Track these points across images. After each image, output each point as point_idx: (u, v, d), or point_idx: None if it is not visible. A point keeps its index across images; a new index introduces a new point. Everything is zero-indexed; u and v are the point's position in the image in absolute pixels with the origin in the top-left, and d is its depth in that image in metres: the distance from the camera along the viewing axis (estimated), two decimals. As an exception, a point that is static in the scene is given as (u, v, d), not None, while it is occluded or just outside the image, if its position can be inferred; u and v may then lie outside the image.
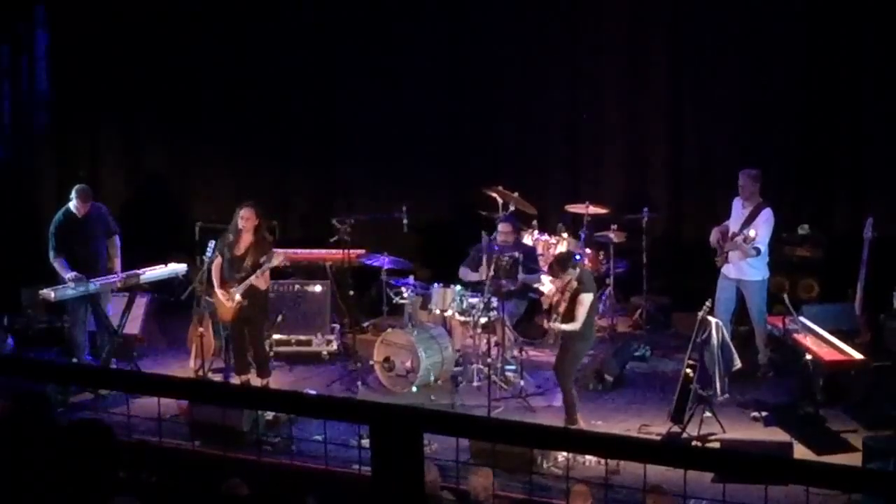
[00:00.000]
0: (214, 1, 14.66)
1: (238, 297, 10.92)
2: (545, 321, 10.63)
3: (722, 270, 11.34)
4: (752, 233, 10.95)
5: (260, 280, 10.96)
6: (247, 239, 11.01)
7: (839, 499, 7.65)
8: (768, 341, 11.34)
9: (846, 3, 12.85)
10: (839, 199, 13.32)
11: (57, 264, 11.26)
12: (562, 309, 9.95)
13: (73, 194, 11.43)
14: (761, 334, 11.36)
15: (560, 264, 10.10)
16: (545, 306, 10.47)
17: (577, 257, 10.51)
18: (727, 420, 10.09)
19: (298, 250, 12.91)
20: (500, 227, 11.98)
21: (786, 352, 10.99)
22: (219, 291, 11.02)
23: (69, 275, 11.14)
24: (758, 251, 11.00)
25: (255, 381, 11.17)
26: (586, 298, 9.86)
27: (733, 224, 11.30)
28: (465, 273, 11.98)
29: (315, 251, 12.85)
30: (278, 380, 11.55)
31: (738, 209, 11.34)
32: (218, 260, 11.06)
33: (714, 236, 11.38)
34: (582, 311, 9.84)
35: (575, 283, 9.90)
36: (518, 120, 14.37)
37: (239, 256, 11.00)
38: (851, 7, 12.82)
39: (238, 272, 10.96)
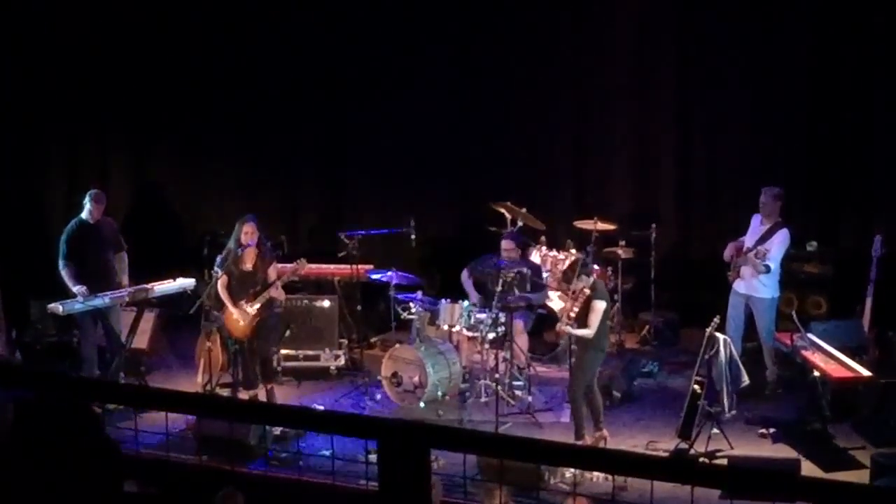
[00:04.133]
0: (224, 13, 14.69)
1: (254, 311, 10.96)
2: (557, 325, 10.51)
3: (733, 286, 11.34)
4: (764, 248, 10.95)
5: (280, 292, 11.06)
6: (252, 253, 11.04)
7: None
8: (776, 358, 11.32)
9: (854, 21, 12.87)
10: (847, 215, 13.32)
11: (65, 273, 11.23)
12: (573, 314, 9.91)
13: (86, 199, 11.42)
14: (769, 351, 11.35)
15: (572, 270, 10.07)
16: (559, 316, 10.39)
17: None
18: (735, 436, 10.07)
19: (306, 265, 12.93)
20: (503, 244, 11.96)
21: (793, 368, 10.97)
22: (233, 310, 11.04)
23: (77, 287, 11.12)
24: (768, 268, 10.98)
25: (262, 389, 11.18)
26: (599, 305, 9.81)
27: (749, 240, 11.29)
28: (465, 279, 11.97)
29: (323, 266, 12.85)
30: (286, 395, 11.56)
31: (756, 225, 11.33)
32: (224, 279, 11.06)
33: (729, 251, 11.37)
34: (595, 319, 9.78)
35: (588, 291, 9.86)
36: (526, 135, 14.39)
37: (249, 271, 11.03)
38: (859, 24, 12.84)
39: (251, 287, 11.00)
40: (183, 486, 7.67)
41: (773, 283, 11.23)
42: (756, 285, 11.19)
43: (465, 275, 12.08)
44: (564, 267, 10.70)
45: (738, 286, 11.32)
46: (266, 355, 11.29)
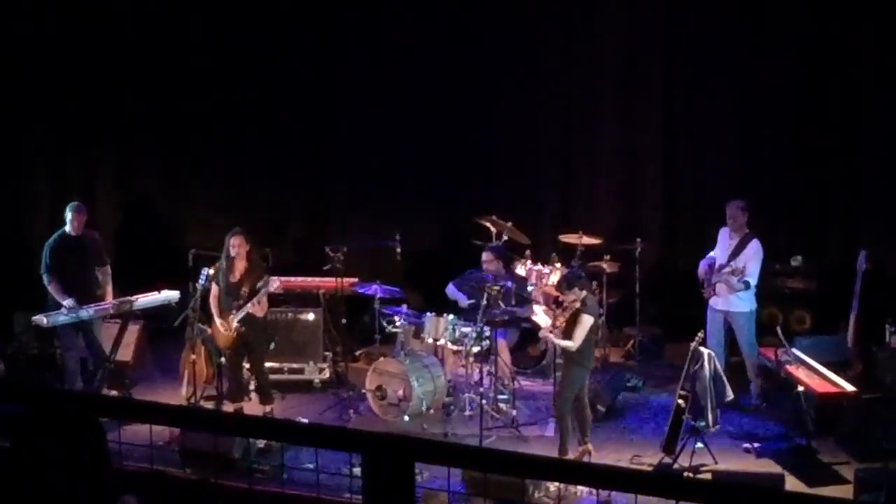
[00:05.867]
0: (210, 26, 14.70)
1: (236, 324, 10.93)
2: (541, 330, 10.50)
3: (709, 303, 11.35)
4: (739, 265, 10.96)
5: (257, 308, 10.96)
6: (241, 266, 11.03)
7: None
8: (760, 372, 11.34)
9: (842, 35, 12.92)
10: (832, 231, 13.37)
11: (52, 287, 11.19)
12: (559, 323, 9.89)
13: (67, 211, 11.38)
14: (752, 365, 11.37)
15: (567, 281, 10.03)
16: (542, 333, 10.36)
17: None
18: (719, 451, 10.07)
19: (291, 278, 12.90)
20: (483, 256, 11.97)
21: (778, 383, 10.99)
22: (218, 321, 11.03)
23: (66, 301, 11.09)
24: (747, 285, 11.01)
25: (258, 408, 11.15)
26: (586, 320, 9.77)
27: (720, 255, 11.31)
28: (453, 291, 12.00)
29: (308, 279, 12.84)
30: (270, 407, 11.53)
31: (725, 239, 11.35)
32: (214, 289, 11.08)
33: (702, 269, 11.38)
34: (580, 332, 9.74)
35: (577, 304, 9.85)
36: (512, 149, 14.41)
37: (235, 284, 11.01)
38: (847, 38, 12.90)
39: (236, 299, 10.97)
40: (167, 499, 7.64)
41: (750, 296, 11.25)
42: (733, 300, 11.21)
43: (451, 288, 12.11)
44: (561, 277, 10.66)
45: (715, 303, 11.33)
46: (260, 374, 11.28)
